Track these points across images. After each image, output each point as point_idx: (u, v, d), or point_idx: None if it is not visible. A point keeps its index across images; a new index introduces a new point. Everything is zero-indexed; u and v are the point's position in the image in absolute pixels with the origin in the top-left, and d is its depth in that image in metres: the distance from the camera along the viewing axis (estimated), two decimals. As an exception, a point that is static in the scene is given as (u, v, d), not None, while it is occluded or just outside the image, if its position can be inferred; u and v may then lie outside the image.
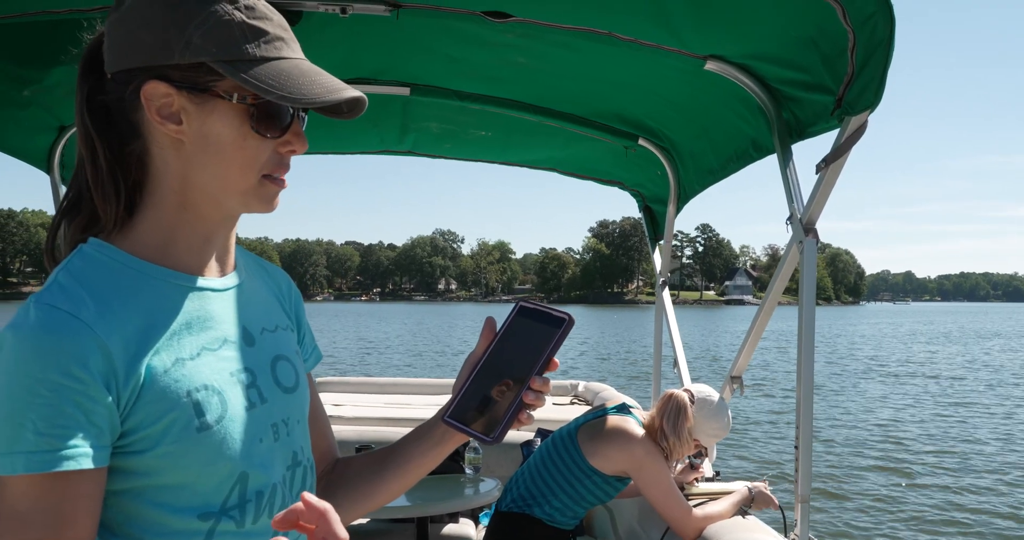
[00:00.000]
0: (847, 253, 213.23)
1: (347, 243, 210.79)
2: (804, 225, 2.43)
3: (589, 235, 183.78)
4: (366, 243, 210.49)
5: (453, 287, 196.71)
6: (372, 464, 1.24)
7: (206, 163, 1.00)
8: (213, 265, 1.08)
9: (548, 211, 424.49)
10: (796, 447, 2.41)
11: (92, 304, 0.93)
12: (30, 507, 0.89)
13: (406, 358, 27.10)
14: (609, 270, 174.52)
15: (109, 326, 0.93)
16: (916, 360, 27.64)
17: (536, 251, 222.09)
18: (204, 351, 1.01)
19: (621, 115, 3.31)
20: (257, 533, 1.03)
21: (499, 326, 1.09)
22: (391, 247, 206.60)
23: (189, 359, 0.99)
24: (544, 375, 1.03)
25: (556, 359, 1.04)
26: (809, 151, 2.55)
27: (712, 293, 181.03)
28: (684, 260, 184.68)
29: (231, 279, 1.10)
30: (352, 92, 1.00)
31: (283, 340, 1.16)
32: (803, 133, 2.54)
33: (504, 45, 2.66)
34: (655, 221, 4.09)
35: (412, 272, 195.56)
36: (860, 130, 2.24)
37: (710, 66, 2.56)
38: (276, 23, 1.01)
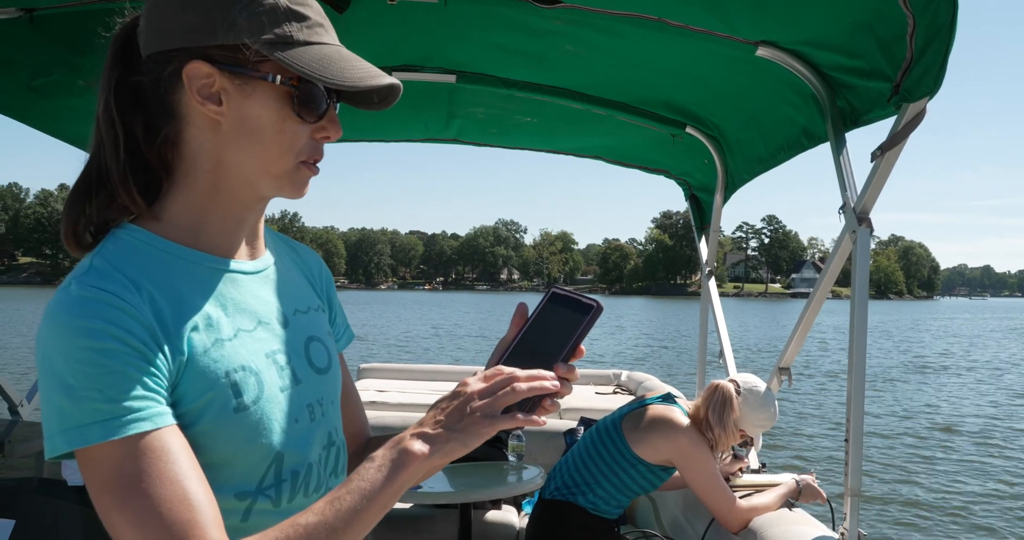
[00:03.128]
0: (921, 246, 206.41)
1: (411, 232, 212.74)
2: (858, 214, 2.38)
3: (652, 226, 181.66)
4: (430, 232, 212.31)
5: (515, 277, 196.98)
6: None
7: (244, 145, 1.00)
8: (244, 248, 1.09)
9: (611, 202, 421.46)
10: (846, 440, 2.36)
11: (131, 286, 0.94)
12: (137, 470, 0.88)
13: (475, 342, 27.40)
14: (672, 261, 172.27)
15: (148, 308, 0.94)
16: (977, 356, 26.71)
17: (599, 242, 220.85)
18: (240, 332, 1.02)
19: (668, 103, 3.27)
20: (293, 511, 1.01)
21: (531, 312, 1.08)
22: (454, 237, 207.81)
23: (228, 340, 1.00)
24: (570, 362, 1.01)
25: (583, 347, 1.02)
26: (862, 137, 2.50)
27: (778, 286, 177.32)
28: (749, 252, 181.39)
29: (262, 262, 1.12)
30: (390, 79, 1.01)
31: (316, 321, 1.17)
32: (858, 121, 2.48)
33: (551, 32, 2.65)
34: (701, 210, 4.05)
35: (475, 262, 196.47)
36: (919, 117, 2.19)
37: (762, 52, 2.52)
38: (316, 10, 1.02)
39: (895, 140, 2.22)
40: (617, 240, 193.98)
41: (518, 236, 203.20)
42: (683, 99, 3.22)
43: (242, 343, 1.02)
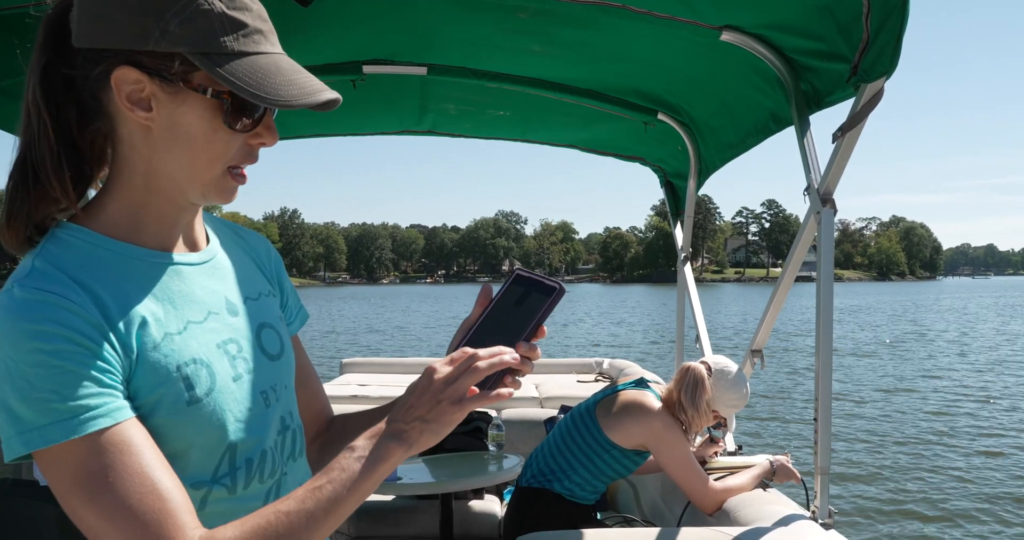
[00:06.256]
0: (922, 227, 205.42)
1: (412, 226, 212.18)
2: (821, 195, 2.40)
3: (652, 213, 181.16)
4: (430, 226, 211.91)
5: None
6: (368, 422, 1.20)
7: (173, 152, 0.99)
8: (186, 240, 1.09)
9: (611, 190, 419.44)
10: (815, 419, 2.38)
11: (75, 286, 0.94)
12: (102, 466, 0.89)
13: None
14: (672, 248, 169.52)
15: (94, 307, 0.94)
16: (971, 334, 26.62)
17: (599, 230, 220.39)
18: (190, 325, 1.02)
19: (639, 90, 3.29)
20: (249, 497, 1.05)
21: (495, 293, 1.10)
22: (455, 229, 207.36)
23: (177, 334, 1.00)
24: (532, 342, 1.04)
25: (545, 327, 1.05)
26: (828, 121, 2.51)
27: (779, 270, 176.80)
28: (750, 237, 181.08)
29: (207, 252, 1.11)
30: (327, 95, 0.98)
31: (266, 307, 1.17)
32: (821, 103, 2.50)
33: (519, 22, 2.66)
34: (676, 196, 4.07)
35: (476, 254, 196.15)
36: (876, 97, 2.21)
37: (726, 37, 2.53)
38: (255, 14, 0.98)
39: (854, 120, 2.24)
40: (618, 228, 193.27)
41: (519, 227, 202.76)
42: (653, 86, 3.23)
43: (192, 335, 1.02)
